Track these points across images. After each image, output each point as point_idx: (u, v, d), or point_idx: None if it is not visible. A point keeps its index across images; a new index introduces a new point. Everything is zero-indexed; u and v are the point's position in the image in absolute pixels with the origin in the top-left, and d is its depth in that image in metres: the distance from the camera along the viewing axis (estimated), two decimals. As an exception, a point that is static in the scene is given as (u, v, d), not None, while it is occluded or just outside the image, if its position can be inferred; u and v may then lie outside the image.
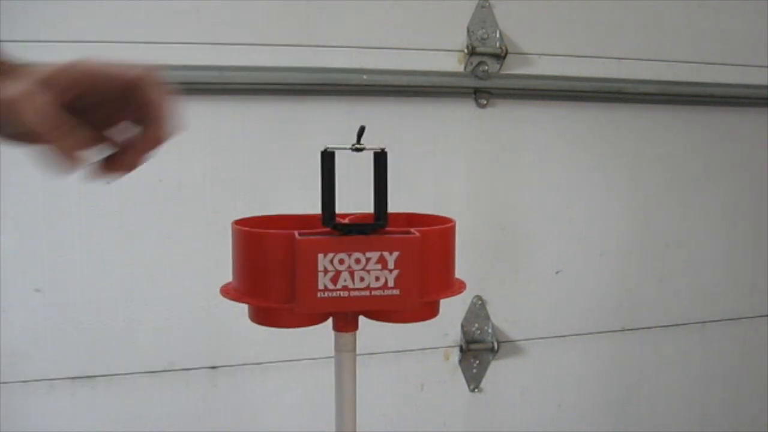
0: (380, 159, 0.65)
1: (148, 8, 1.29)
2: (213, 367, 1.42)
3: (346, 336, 0.67)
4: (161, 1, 1.30)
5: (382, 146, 0.65)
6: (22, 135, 0.52)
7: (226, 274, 0.68)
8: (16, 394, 1.32)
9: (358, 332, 0.68)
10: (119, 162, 0.57)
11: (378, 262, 0.61)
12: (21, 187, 1.27)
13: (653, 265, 1.70)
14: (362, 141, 0.64)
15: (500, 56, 1.50)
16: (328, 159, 0.63)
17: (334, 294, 0.61)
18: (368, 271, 0.62)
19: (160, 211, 1.34)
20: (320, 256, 0.61)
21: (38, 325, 1.32)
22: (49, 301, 1.32)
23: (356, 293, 0.62)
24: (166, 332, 1.38)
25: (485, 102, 1.52)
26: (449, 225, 0.69)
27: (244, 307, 0.66)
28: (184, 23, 1.31)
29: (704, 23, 1.64)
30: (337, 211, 0.65)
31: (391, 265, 0.62)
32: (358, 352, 0.69)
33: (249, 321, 0.67)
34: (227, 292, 0.65)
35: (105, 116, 0.57)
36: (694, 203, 1.71)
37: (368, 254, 0.62)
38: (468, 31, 1.49)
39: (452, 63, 1.49)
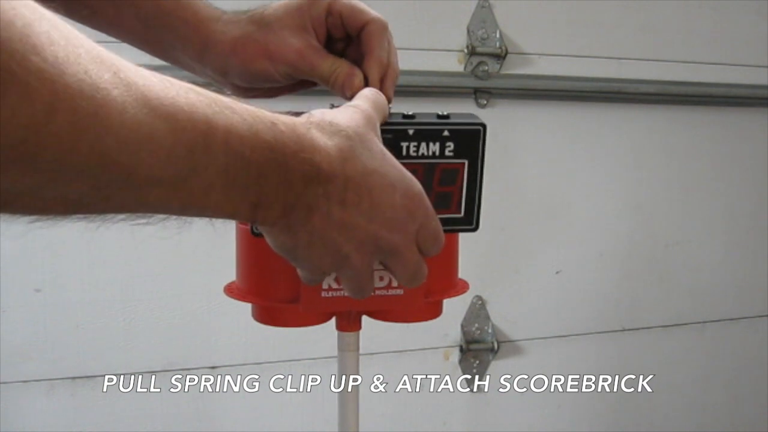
0: None
1: None
2: (213, 367, 1.42)
3: (349, 335, 0.67)
4: None
5: None
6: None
7: (225, 273, 0.68)
8: (16, 394, 1.32)
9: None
10: None
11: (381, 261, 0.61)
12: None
13: (653, 265, 1.70)
14: None
15: (500, 56, 1.50)
16: None
17: (338, 294, 0.61)
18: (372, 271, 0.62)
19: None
20: (324, 255, 0.61)
21: (38, 325, 1.32)
22: (49, 301, 1.31)
23: (360, 293, 0.61)
24: (166, 332, 1.38)
25: (485, 102, 1.52)
26: (452, 224, 0.68)
27: (244, 307, 0.66)
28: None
29: (704, 23, 1.64)
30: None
31: (394, 265, 0.62)
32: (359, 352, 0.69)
33: (249, 321, 0.66)
34: (231, 291, 0.65)
35: None
36: (694, 203, 1.71)
37: (372, 254, 0.61)
38: (468, 31, 1.49)
39: (452, 63, 1.49)
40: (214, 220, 0.46)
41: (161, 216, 0.43)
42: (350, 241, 0.49)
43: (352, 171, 0.47)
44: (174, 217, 0.44)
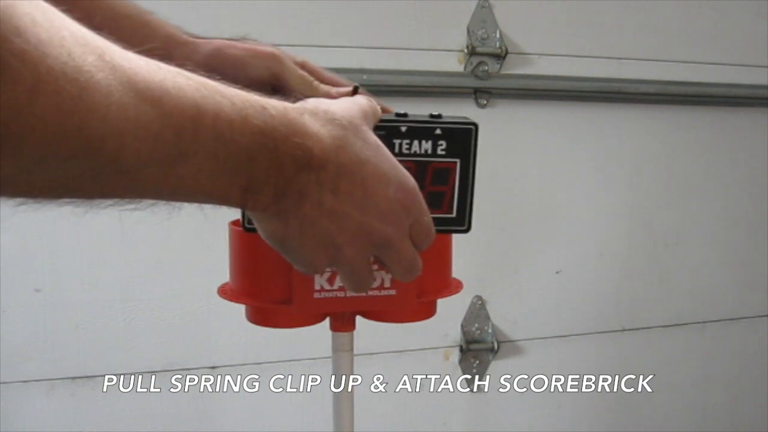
0: None
1: (146, 7, 1.29)
2: (213, 367, 1.42)
3: (343, 336, 0.67)
4: (160, 1, 1.29)
5: None
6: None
7: (225, 273, 0.68)
8: (16, 394, 1.32)
9: (358, 332, 0.68)
10: None
11: (374, 261, 0.61)
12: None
13: (653, 265, 1.70)
14: None
15: (500, 56, 1.50)
16: None
17: (331, 294, 0.61)
18: (364, 272, 0.62)
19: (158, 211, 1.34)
20: (317, 256, 0.61)
21: (38, 325, 1.32)
22: (49, 301, 1.32)
23: (352, 293, 0.61)
24: (165, 332, 1.38)
25: (485, 102, 1.52)
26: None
27: (243, 307, 0.66)
28: (183, 23, 1.31)
29: (704, 23, 1.64)
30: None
31: (387, 265, 0.62)
32: (358, 352, 0.69)
33: (248, 321, 0.67)
34: (225, 292, 0.65)
35: None
36: (694, 203, 1.71)
37: (364, 254, 0.62)
38: (468, 31, 1.49)
39: (452, 63, 1.49)
40: (205, 210, 0.45)
41: (150, 201, 0.43)
42: (343, 232, 0.48)
43: (346, 159, 0.47)
44: (163, 202, 0.43)
